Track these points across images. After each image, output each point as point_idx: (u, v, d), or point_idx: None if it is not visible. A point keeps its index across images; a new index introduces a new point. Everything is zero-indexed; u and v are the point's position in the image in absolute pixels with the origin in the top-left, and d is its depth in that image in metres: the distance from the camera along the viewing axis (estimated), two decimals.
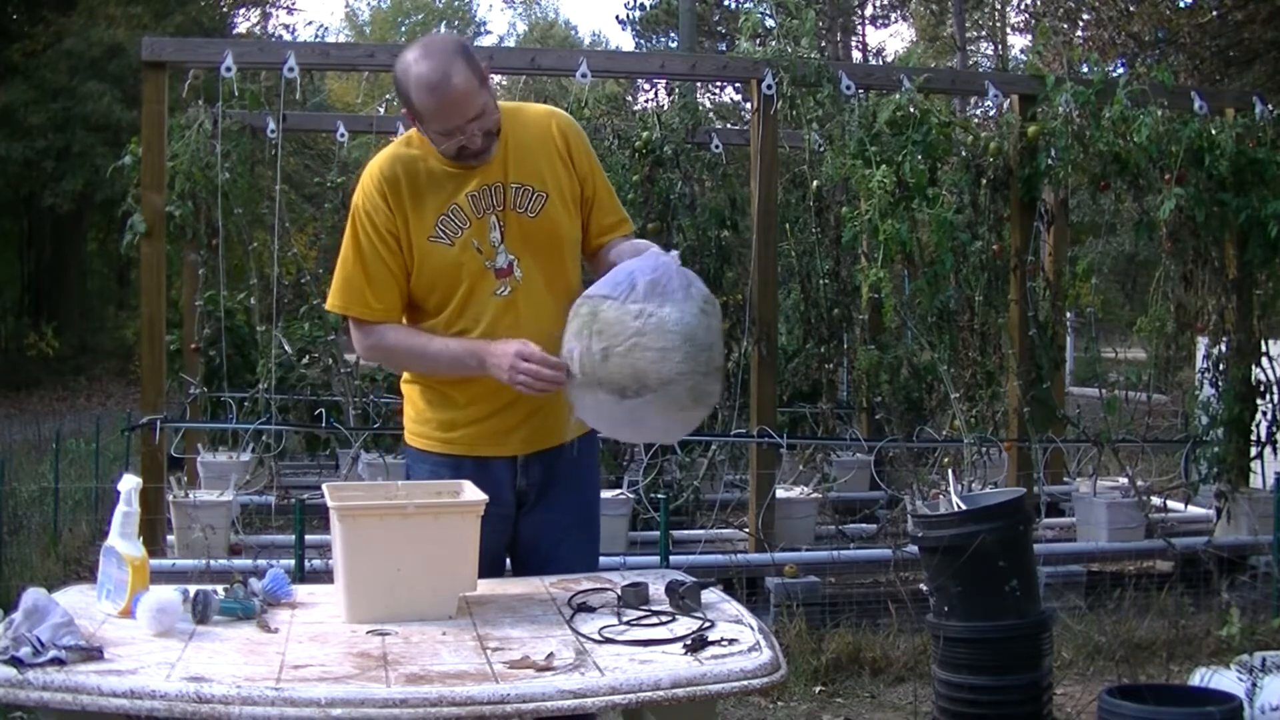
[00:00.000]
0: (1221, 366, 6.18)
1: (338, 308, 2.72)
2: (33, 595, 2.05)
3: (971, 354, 6.20)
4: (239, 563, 5.05)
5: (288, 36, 26.26)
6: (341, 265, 2.71)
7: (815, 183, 6.75)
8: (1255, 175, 5.92)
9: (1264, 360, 6.18)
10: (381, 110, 8.04)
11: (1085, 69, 6.29)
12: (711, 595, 2.43)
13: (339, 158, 7.65)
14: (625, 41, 36.06)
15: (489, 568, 2.64)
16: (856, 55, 27.98)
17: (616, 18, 42.65)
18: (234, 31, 24.25)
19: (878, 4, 28.71)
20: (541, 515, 2.76)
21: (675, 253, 2.48)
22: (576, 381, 2.43)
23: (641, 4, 28.01)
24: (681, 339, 2.35)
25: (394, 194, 2.65)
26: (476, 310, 2.66)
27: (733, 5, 27.09)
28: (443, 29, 40.98)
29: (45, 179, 18.33)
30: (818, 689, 4.57)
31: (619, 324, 2.37)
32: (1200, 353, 6.56)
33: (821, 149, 6.20)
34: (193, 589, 2.28)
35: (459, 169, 2.66)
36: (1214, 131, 5.90)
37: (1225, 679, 3.62)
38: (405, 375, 2.83)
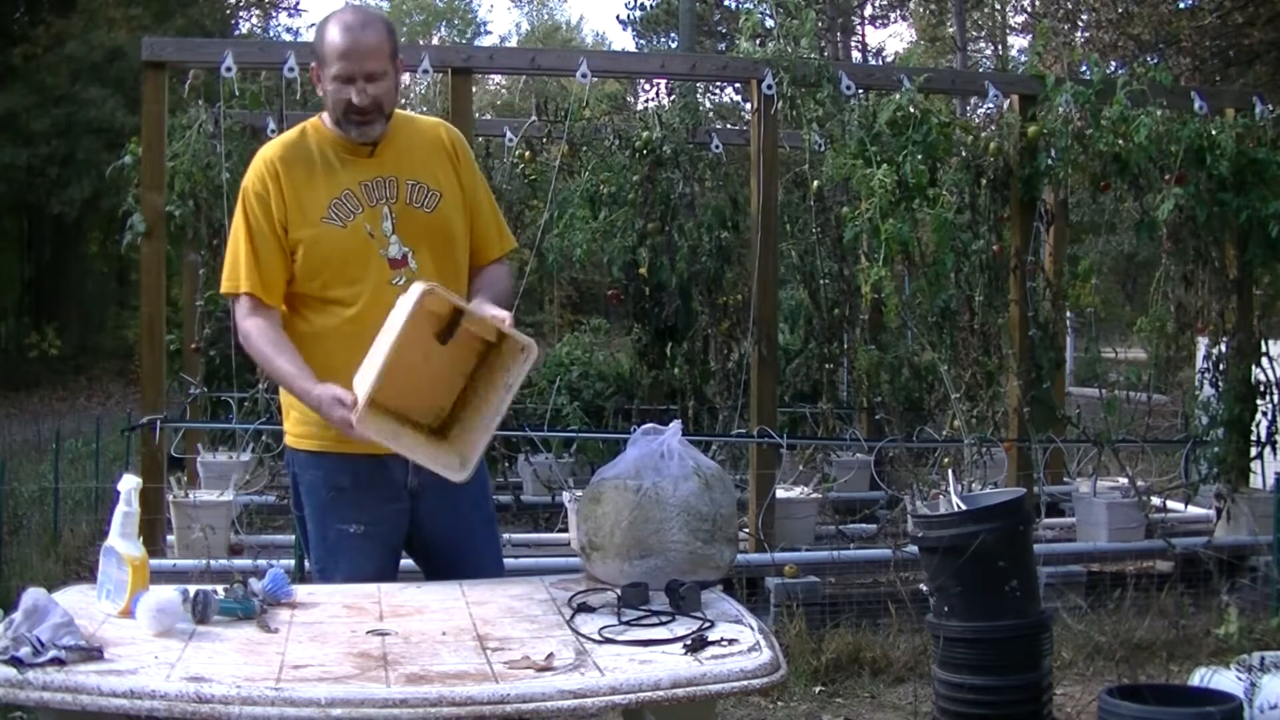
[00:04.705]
0: (1221, 366, 6.17)
1: (229, 290, 2.74)
2: (33, 595, 2.05)
3: (972, 354, 6.20)
4: (239, 563, 5.04)
5: (288, 37, 26.26)
6: (231, 247, 2.74)
7: (816, 183, 6.76)
8: (1255, 175, 5.92)
9: (1264, 360, 6.18)
10: None
11: (1085, 70, 6.28)
12: (711, 595, 2.43)
13: None
14: (626, 41, 36.05)
15: (388, 561, 2.74)
16: (856, 55, 27.96)
17: (617, 18, 42.66)
18: (235, 33, 24.23)
19: (878, 4, 28.68)
20: (444, 515, 2.78)
21: (677, 424, 2.66)
22: (595, 553, 2.59)
23: (642, 4, 28.00)
24: (678, 510, 2.52)
25: (287, 176, 2.68)
26: (372, 296, 2.68)
27: (733, 5, 27.06)
28: (443, 30, 40.99)
29: (49, 185, 18.32)
30: (818, 689, 4.56)
31: (621, 499, 2.56)
32: (1200, 353, 6.56)
33: (822, 149, 6.20)
34: (193, 589, 2.28)
35: (351, 155, 2.70)
36: (1214, 131, 5.89)
37: (1225, 679, 3.62)
38: None
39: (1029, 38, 22.20)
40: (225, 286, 2.76)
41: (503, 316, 2.51)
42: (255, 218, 2.70)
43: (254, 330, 2.70)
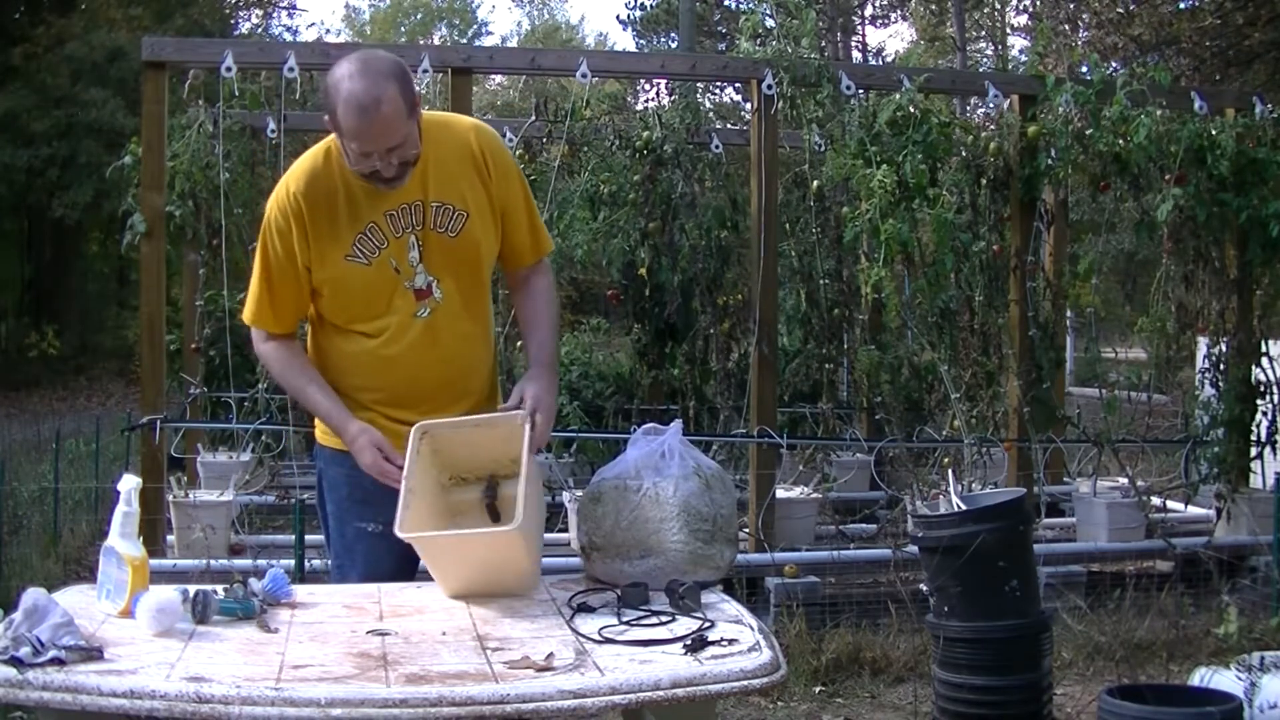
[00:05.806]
0: (1222, 366, 6.17)
1: (246, 320, 2.80)
2: (33, 595, 2.05)
3: (972, 354, 6.20)
4: (239, 563, 5.04)
5: (288, 37, 26.28)
6: (253, 275, 2.76)
7: (816, 183, 6.77)
8: (1255, 175, 5.92)
9: (1264, 360, 6.18)
10: None
11: (1085, 70, 6.28)
12: (711, 595, 2.43)
13: None
14: (626, 41, 36.07)
15: (405, 561, 2.67)
16: (856, 55, 27.96)
17: (617, 18, 42.69)
18: (235, 33, 24.24)
19: (878, 4, 28.68)
20: None
21: (677, 423, 2.66)
22: (596, 553, 2.60)
23: (642, 4, 28.00)
24: (678, 510, 2.53)
25: (310, 215, 2.64)
26: (397, 332, 2.68)
27: (733, 5, 27.07)
28: (443, 30, 40.97)
29: (50, 187, 18.28)
30: (818, 689, 4.57)
31: (621, 499, 2.57)
32: (1200, 353, 6.56)
33: (822, 149, 6.20)
34: (193, 589, 2.28)
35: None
36: (1214, 131, 5.90)
37: (1225, 679, 3.62)
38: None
39: (1029, 38, 22.22)
40: (244, 315, 2.82)
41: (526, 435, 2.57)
42: (274, 250, 2.68)
43: (274, 357, 2.79)
